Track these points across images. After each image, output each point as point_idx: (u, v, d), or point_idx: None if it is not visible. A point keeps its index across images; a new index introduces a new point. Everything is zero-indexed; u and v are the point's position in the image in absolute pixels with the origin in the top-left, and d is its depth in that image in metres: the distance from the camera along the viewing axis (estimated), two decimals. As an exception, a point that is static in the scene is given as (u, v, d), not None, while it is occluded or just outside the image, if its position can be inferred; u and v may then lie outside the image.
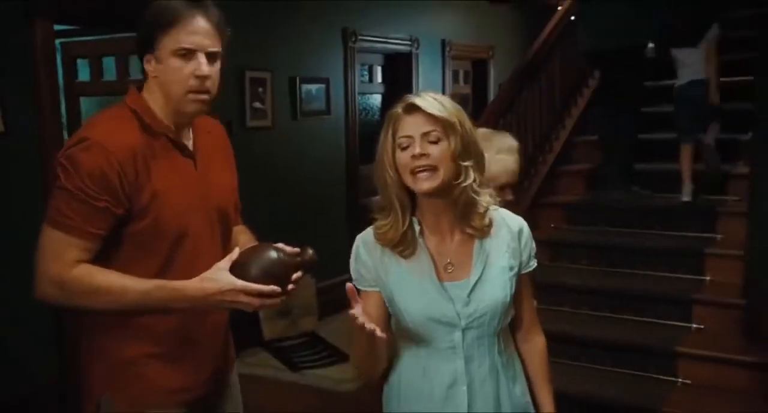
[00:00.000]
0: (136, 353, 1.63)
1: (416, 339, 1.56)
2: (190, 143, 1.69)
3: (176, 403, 1.67)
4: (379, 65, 6.05)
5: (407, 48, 6.02)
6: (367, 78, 5.95)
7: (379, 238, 1.56)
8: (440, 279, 1.54)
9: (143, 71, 1.63)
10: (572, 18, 4.88)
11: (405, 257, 1.55)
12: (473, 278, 1.54)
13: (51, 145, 3.34)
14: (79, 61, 4.44)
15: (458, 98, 7.07)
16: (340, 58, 5.29)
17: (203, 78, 1.57)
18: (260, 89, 4.50)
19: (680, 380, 3.20)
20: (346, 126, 5.44)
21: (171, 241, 1.59)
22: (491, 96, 7.02)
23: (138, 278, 1.54)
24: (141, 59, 1.61)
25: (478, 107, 6.80)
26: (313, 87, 5.03)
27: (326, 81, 5.15)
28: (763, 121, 3.23)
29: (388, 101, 6.09)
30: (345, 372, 3.93)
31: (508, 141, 2.04)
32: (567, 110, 5.00)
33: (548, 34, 4.71)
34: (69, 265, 1.51)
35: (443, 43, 6.51)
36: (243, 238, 1.79)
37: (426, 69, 6.27)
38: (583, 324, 3.61)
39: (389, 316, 1.61)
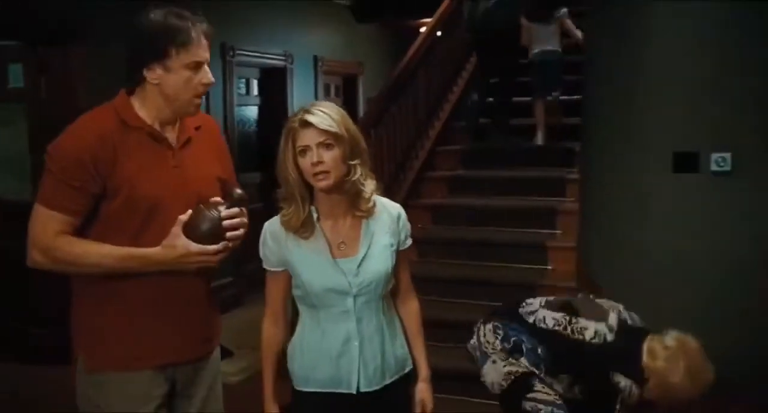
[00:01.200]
0: (112, 317, 1.84)
1: (316, 305, 1.90)
2: (172, 137, 1.90)
3: (148, 366, 1.86)
4: (255, 79, 6.31)
5: (282, 63, 6.34)
6: (244, 90, 6.18)
7: (284, 224, 1.89)
8: (334, 256, 1.89)
9: (142, 78, 1.81)
10: (438, 33, 5.47)
11: (305, 238, 1.89)
12: (361, 254, 1.90)
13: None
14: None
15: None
16: (219, 71, 5.49)
17: (209, 85, 1.87)
18: (143, 100, 4.63)
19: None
20: (225, 136, 5.63)
21: (140, 220, 1.81)
22: (361, 110, 7.46)
23: (113, 246, 1.78)
24: (139, 67, 1.80)
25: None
26: (194, 98, 5.20)
27: (206, 93, 5.32)
28: (585, 135, 3.85)
29: (264, 113, 6.39)
30: (230, 365, 4.17)
31: (709, 385, 2.20)
32: (430, 122, 5.52)
33: (412, 54, 5.20)
34: (53, 236, 1.76)
35: (315, 59, 6.88)
36: None
37: (299, 83, 6.59)
38: (448, 310, 4.07)
39: (290, 289, 1.95)
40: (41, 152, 1.87)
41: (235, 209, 1.85)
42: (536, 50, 5.28)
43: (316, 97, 6.89)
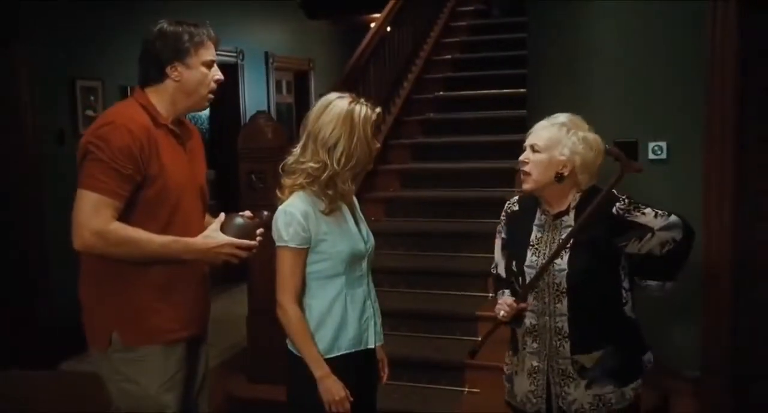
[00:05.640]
0: (140, 297, 2.01)
1: (342, 273, 2.07)
2: (180, 134, 2.13)
3: (183, 338, 2.07)
4: (206, 75, 6.30)
5: (233, 59, 6.33)
6: (195, 87, 6.16)
7: (330, 200, 2.06)
8: (357, 224, 2.14)
9: (164, 76, 2.02)
10: (388, 28, 5.54)
11: (338, 210, 2.08)
12: (360, 223, 2.17)
13: None
14: None
15: (283, 107, 7.45)
16: (170, 68, 5.47)
17: (220, 81, 2.12)
18: (92, 98, 4.60)
19: (479, 338, 3.83)
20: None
21: (170, 207, 2.02)
22: (313, 105, 7.47)
23: (157, 235, 1.96)
24: (162, 66, 2.02)
25: (300, 115, 7.19)
26: (144, 95, 5.16)
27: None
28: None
29: (216, 110, 6.37)
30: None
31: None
32: (382, 117, 5.59)
33: (363, 50, 5.26)
34: (107, 220, 1.91)
35: (267, 55, 6.89)
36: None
37: (251, 79, 6.60)
38: (401, 300, 4.15)
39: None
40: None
41: (261, 230, 2.11)
42: None
43: (268, 94, 6.90)
